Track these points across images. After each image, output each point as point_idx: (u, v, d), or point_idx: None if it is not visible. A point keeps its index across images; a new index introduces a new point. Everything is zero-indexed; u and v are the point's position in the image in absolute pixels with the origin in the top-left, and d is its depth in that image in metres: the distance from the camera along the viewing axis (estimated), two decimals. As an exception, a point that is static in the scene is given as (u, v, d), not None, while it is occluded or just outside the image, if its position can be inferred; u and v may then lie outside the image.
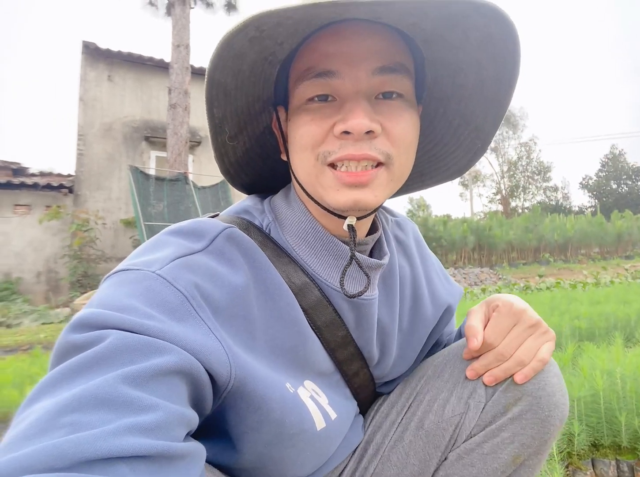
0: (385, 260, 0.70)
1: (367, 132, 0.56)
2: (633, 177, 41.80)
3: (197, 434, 0.46)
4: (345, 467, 0.77)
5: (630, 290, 4.26)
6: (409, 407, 0.77)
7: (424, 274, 0.82)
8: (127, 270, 0.51)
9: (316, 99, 0.58)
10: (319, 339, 0.64)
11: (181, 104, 8.22)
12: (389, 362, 0.75)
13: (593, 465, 1.44)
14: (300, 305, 0.62)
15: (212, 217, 0.66)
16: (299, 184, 0.63)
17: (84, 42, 9.62)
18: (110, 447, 0.34)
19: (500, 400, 0.69)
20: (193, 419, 0.44)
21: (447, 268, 11.41)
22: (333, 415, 0.64)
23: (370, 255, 0.73)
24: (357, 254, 0.63)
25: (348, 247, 0.65)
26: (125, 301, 0.46)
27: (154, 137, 10.12)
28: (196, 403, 0.48)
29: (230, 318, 0.53)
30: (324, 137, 0.57)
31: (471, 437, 0.71)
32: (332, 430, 0.64)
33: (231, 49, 0.51)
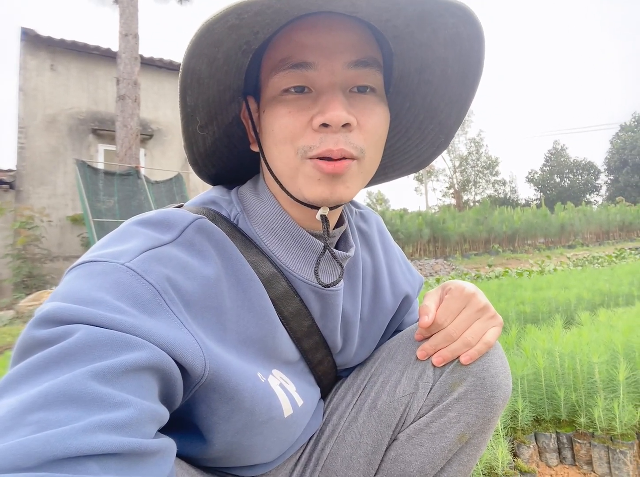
0: (352, 252, 0.71)
1: (344, 125, 0.57)
2: (574, 171, 44.43)
3: (164, 428, 0.45)
4: (303, 450, 0.78)
5: (571, 276, 4.55)
6: (363, 389, 0.79)
7: (385, 264, 0.84)
8: (94, 261, 0.49)
9: (292, 90, 0.58)
10: (286, 329, 0.65)
11: (130, 95, 7.90)
12: (351, 350, 0.77)
13: (536, 439, 1.54)
14: (269, 295, 0.63)
15: (177, 208, 0.65)
16: (273, 175, 0.63)
17: (23, 28, 9.01)
18: (80, 445, 0.33)
19: (447, 380, 0.72)
20: (164, 415, 0.43)
21: (404, 260, 11.63)
22: (300, 402, 0.65)
23: (336, 247, 0.74)
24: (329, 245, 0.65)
25: (317, 240, 0.67)
26: (93, 294, 0.45)
27: (102, 129, 9.66)
28: (166, 398, 0.47)
29: (203, 311, 0.53)
30: (302, 130, 0.58)
31: (420, 417, 0.74)
32: (298, 416, 0.65)
33: (210, 36, 0.50)
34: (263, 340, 0.61)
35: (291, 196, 0.63)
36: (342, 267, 0.66)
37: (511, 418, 1.50)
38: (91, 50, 9.75)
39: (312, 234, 0.68)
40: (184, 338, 0.48)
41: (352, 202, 0.87)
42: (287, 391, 0.64)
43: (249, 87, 0.65)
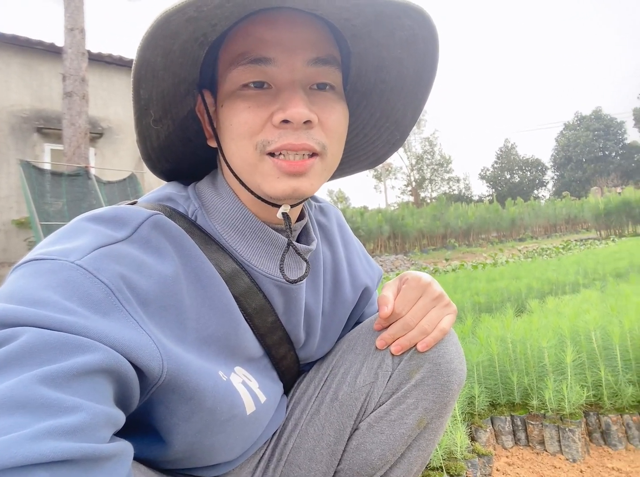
0: (313, 245, 0.72)
1: (305, 122, 0.57)
2: (523, 167, 46.63)
3: (121, 431, 0.44)
4: (267, 446, 0.78)
5: (521, 268, 4.77)
6: (325, 382, 0.80)
7: (345, 258, 0.85)
8: (41, 259, 0.46)
9: (251, 85, 0.58)
10: (250, 325, 0.65)
11: (78, 92, 7.52)
12: (313, 344, 0.78)
13: (492, 422, 1.60)
14: (231, 292, 0.62)
15: (130, 204, 0.62)
16: (232, 171, 0.62)
17: (-45, 20, 8.39)
18: (27, 453, 0.32)
19: (405, 368, 0.74)
20: (119, 418, 0.42)
21: (365, 257, 11.79)
22: (263, 398, 0.65)
23: (298, 240, 0.74)
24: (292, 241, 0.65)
25: (279, 234, 0.66)
26: (40, 293, 0.42)
27: (47, 128, 9.15)
28: (122, 401, 0.46)
29: (160, 310, 0.51)
30: (262, 126, 0.57)
31: (380, 406, 0.75)
32: (261, 413, 0.65)
33: (167, 27, 0.49)
34: (225, 337, 0.60)
35: (251, 192, 0.62)
36: (307, 262, 0.66)
37: (468, 404, 1.55)
38: (34, 45, 9.20)
39: (274, 229, 0.67)
40: (139, 338, 0.46)
41: (312, 196, 0.87)
42: (249, 388, 0.63)
43: (205, 80, 0.63)
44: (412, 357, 0.74)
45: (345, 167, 0.82)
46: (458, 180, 41.12)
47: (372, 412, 0.76)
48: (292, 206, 0.64)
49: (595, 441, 1.53)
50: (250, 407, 0.62)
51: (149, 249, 0.54)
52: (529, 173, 46.40)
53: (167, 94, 0.60)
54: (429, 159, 37.33)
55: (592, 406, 1.57)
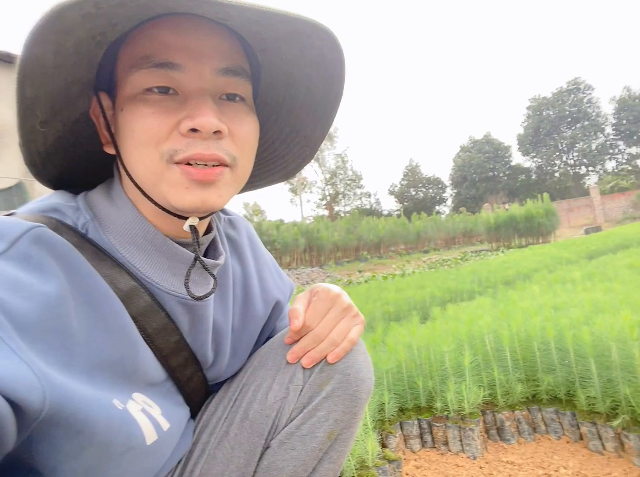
0: (221, 260, 0.69)
1: (215, 132, 0.54)
2: (426, 185, 50.43)
3: None
4: (171, 476, 0.72)
5: (426, 278, 5.10)
6: (235, 401, 0.76)
7: (256, 272, 0.83)
8: None
9: (155, 89, 0.54)
10: (150, 347, 0.60)
11: (-46, 87, 6.61)
12: (223, 363, 0.74)
13: (401, 427, 1.66)
14: (128, 312, 0.57)
15: (7, 216, 0.55)
16: (133, 180, 0.58)
17: None
18: None
19: (316, 381, 0.73)
20: None
21: (282, 270, 11.80)
22: (166, 425, 0.60)
23: (205, 255, 0.71)
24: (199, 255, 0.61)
25: (184, 249, 0.63)
26: None
27: None
28: None
29: (42, 334, 0.45)
30: (167, 134, 0.54)
31: (291, 421, 0.74)
32: (164, 441, 0.60)
33: (60, 22, 0.44)
34: (121, 362, 0.54)
35: (155, 203, 0.58)
36: (214, 278, 0.63)
37: (379, 411, 1.60)
38: None
39: (178, 243, 0.64)
40: (14, 369, 0.40)
41: (221, 209, 0.85)
42: (150, 415, 0.58)
43: (101, 81, 0.59)
44: (322, 369, 0.74)
45: (256, 180, 0.81)
46: (369, 196, 43.17)
47: (284, 428, 0.74)
48: (200, 219, 0.61)
49: (492, 437, 1.66)
50: (151, 437, 0.57)
51: (28, 266, 0.48)
52: (431, 190, 50.29)
53: (58, 94, 0.55)
54: (342, 174, 38.69)
55: (488, 405, 1.71)
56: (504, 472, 1.43)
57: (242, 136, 0.59)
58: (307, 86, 0.65)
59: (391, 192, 50.45)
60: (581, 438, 1.56)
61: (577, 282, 3.09)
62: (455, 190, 49.22)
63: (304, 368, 0.75)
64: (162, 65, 0.54)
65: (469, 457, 1.54)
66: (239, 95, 0.60)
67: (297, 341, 0.75)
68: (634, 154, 43.55)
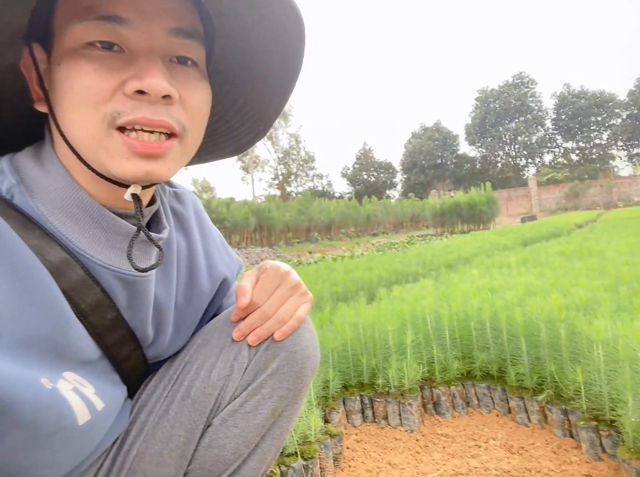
0: (165, 234, 0.66)
1: (165, 96, 0.50)
2: (378, 169, 51.27)
3: None
4: (106, 456, 0.69)
5: (374, 260, 5.22)
6: (176, 380, 0.74)
7: (202, 247, 0.80)
8: None
9: (98, 44, 0.49)
10: (84, 323, 0.56)
11: None
12: (164, 340, 0.71)
13: (344, 404, 1.71)
14: (59, 286, 0.53)
15: None
16: (68, 143, 0.53)
17: None
18: None
19: (262, 358, 0.73)
20: None
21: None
22: (100, 405, 0.58)
23: (147, 228, 0.67)
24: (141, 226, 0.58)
25: (123, 220, 0.59)
26: None
27: None
28: None
29: None
30: (111, 94, 0.50)
31: (234, 399, 0.73)
32: (97, 421, 0.58)
33: None
34: (51, 339, 0.51)
35: (92, 170, 0.54)
36: (161, 249, 0.60)
37: (323, 388, 1.63)
38: None
39: (116, 214, 0.60)
40: None
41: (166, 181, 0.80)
42: (82, 395, 0.55)
43: (34, 30, 0.53)
44: (268, 346, 0.73)
45: (204, 153, 0.77)
46: (321, 177, 43.25)
47: (227, 406, 0.73)
48: (143, 188, 0.58)
49: (428, 411, 1.75)
50: (83, 417, 0.54)
51: None
52: (382, 175, 51.21)
53: None
54: (295, 155, 38.38)
55: (427, 381, 1.79)
56: (439, 444, 1.51)
57: (194, 104, 0.56)
58: (264, 58, 0.62)
59: (344, 175, 50.85)
60: (510, 412, 1.68)
61: (512, 267, 3.28)
62: (405, 176, 50.47)
63: (249, 346, 0.74)
64: (107, 18, 0.49)
65: (406, 431, 1.61)
66: (191, 59, 0.56)
67: (244, 318, 0.74)
68: (570, 148, 46.63)
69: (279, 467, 1.17)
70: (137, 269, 0.57)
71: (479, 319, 1.83)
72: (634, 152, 44.55)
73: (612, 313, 1.55)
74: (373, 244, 12.25)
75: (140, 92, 0.50)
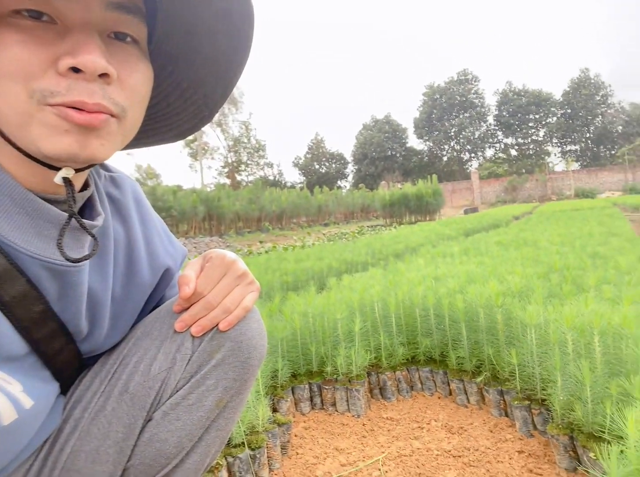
0: (100, 221, 0.62)
1: (102, 75, 0.47)
2: (330, 160, 51.58)
3: None
4: (36, 456, 0.65)
5: (324, 250, 5.26)
6: (113, 374, 0.71)
7: (142, 236, 0.76)
8: None
9: (25, 13, 0.45)
10: (8, 317, 0.53)
11: None
12: (100, 334, 0.68)
13: (293, 392, 1.72)
14: None
15: None
16: None
17: None
18: None
19: (206, 349, 0.71)
20: None
21: (178, 238, 11.30)
22: (28, 403, 0.54)
23: (80, 215, 0.62)
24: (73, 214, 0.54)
25: (52, 206, 0.55)
26: None
27: None
28: None
29: None
30: (40, 70, 0.46)
31: (177, 392, 0.71)
32: (26, 420, 0.55)
33: None
34: None
35: (18, 149, 0.49)
36: (95, 238, 0.57)
37: (272, 378, 1.63)
38: None
39: (45, 199, 0.55)
40: None
41: (102, 164, 0.75)
42: (8, 393, 0.52)
43: None
44: (213, 337, 0.71)
45: (144, 137, 0.73)
46: (272, 166, 42.84)
47: (168, 399, 0.71)
48: (76, 171, 0.53)
49: (375, 396, 1.80)
50: (9, 417, 0.51)
51: None
52: (334, 165, 51.58)
53: None
54: (245, 143, 37.69)
55: (374, 367, 1.84)
56: (384, 428, 1.56)
57: (133, 84, 0.52)
58: (211, 40, 0.59)
59: (295, 165, 50.69)
60: (450, 394, 1.76)
61: (455, 256, 3.43)
62: (356, 167, 51.13)
63: (193, 337, 0.72)
64: None
65: (353, 416, 1.64)
66: (131, 37, 0.52)
67: (187, 309, 0.72)
68: (509, 144, 49.24)
69: (225, 459, 1.15)
70: (68, 260, 0.53)
71: (424, 306, 1.90)
72: (567, 149, 47.89)
73: (544, 299, 1.66)
74: (324, 234, 12.35)
75: (75, 69, 0.46)
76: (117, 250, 0.71)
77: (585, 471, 1.13)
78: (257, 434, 1.26)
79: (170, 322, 0.73)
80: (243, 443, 1.20)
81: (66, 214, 0.55)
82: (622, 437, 0.92)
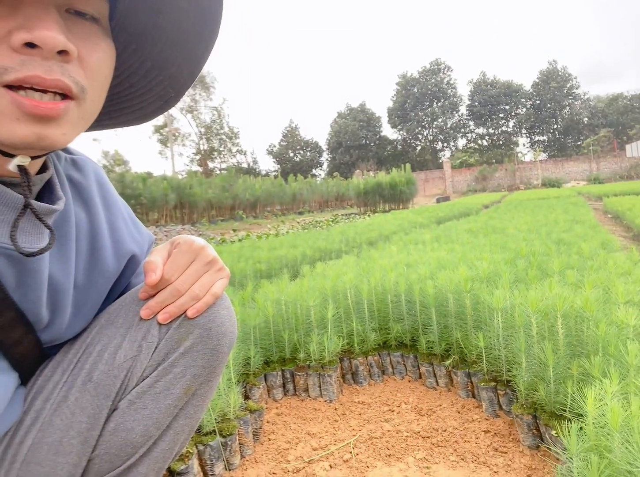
0: (60, 205, 0.59)
1: (60, 52, 0.44)
2: (304, 148, 51.27)
3: None
4: None
5: (299, 238, 5.25)
6: (76, 363, 0.69)
7: (106, 222, 0.73)
8: None
9: None
10: None
11: None
12: (62, 323, 0.65)
13: (265, 379, 1.72)
14: None
15: None
16: None
17: None
18: None
19: (174, 336, 0.69)
20: None
21: (148, 227, 11.08)
22: None
23: (39, 198, 0.60)
24: (33, 201, 0.52)
25: (7, 189, 0.52)
26: None
27: None
28: None
29: None
30: None
31: (143, 380, 0.69)
32: None
33: None
34: None
35: None
36: (51, 230, 0.54)
37: (244, 365, 1.62)
38: None
39: (0, 183, 0.52)
40: None
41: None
42: None
43: None
44: (181, 324, 0.70)
45: (106, 118, 0.70)
46: (245, 154, 42.29)
47: (134, 388, 0.69)
48: (33, 158, 0.51)
49: (347, 381, 1.82)
50: None
51: None
52: (309, 153, 51.33)
53: None
54: (218, 129, 36.97)
55: (346, 353, 1.85)
56: (355, 412, 1.58)
57: (94, 63, 0.50)
58: (177, 18, 0.57)
59: (270, 152, 50.16)
60: (420, 377, 1.80)
61: (427, 243, 3.48)
62: (331, 155, 51.05)
63: (159, 324, 0.70)
64: None
65: (326, 401, 1.66)
66: (91, 14, 0.49)
67: (154, 296, 0.70)
68: (481, 134, 50.15)
69: (196, 447, 1.15)
70: (22, 253, 0.51)
71: (395, 292, 1.92)
72: (535, 140, 49.19)
73: (510, 284, 1.71)
74: (298, 222, 12.31)
75: (31, 45, 0.43)
76: (79, 236, 0.68)
77: (547, 448, 1.18)
78: (229, 422, 1.25)
79: (136, 309, 0.71)
80: (214, 431, 1.20)
81: (23, 198, 0.53)
82: (581, 415, 0.96)
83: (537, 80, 47.68)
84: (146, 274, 0.67)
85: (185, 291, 0.69)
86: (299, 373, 1.72)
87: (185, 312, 0.70)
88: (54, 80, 0.45)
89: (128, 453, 0.69)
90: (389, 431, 1.42)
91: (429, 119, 49.02)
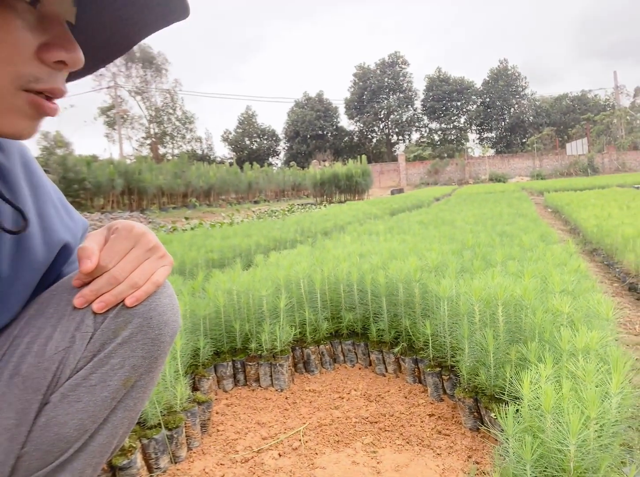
0: None
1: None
2: (261, 136, 50.53)
3: None
4: None
5: (253, 227, 5.18)
6: (2, 356, 0.64)
7: (34, 208, 0.68)
8: None
9: None
10: None
11: None
12: None
13: (215, 370, 1.69)
14: None
15: None
16: None
17: None
18: None
19: (110, 326, 0.66)
20: None
21: (93, 213, 10.52)
22: None
23: None
24: None
25: None
26: None
27: None
28: None
29: None
30: (26, 57, 0.47)
31: (77, 372, 0.66)
32: None
33: None
34: None
35: None
36: None
37: (193, 356, 1.58)
38: None
39: None
40: None
41: None
42: None
43: None
44: (118, 313, 0.66)
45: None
46: (200, 140, 41.05)
47: (67, 380, 0.65)
48: None
49: (299, 370, 1.82)
50: None
51: None
52: (265, 141, 50.65)
53: None
54: (170, 113, 35.60)
55: (298, 342, 1.86)
56: (306, 400, 1.59)
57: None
58: None
59: (225, 139, 48.99)
60: (370, 364, 1.84)
61: (380, 234, 3.54)
62: (288, 144, 50.65)
63: (95, 314, 0.66)
64: None
65: (277, 390, 1.66)
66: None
67: (88, 284, 0.66)
68: (434, 128, 51.53)
69: (140, 441, 1.11)
70: None
71: (348, 281, 1.94)
72: (484, 136, 51.21)
73: (456, 274, 1.77)
74: (254, 212, 12.16)
75: (62, 62, 0.49)
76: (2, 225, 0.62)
77: (486, 430, 1.24)
78: (175, 414, 1.22)
79: (69, 298, 0.67)
80: (159, 424, 1.16)
81: None
82: (518, 398, 1.01)
83: (488, 79, 49.53)
84: (80, 261, 0.62)
85: (124, 279, 0.65)
86: (250, 363, 1.70)
87: (123, 300, 0.66)
88: (64, 92, 0.51)
89: (61, 448, 0.65)
90: (338, 417, 1.44)
91: (386, 111, 49.73)
